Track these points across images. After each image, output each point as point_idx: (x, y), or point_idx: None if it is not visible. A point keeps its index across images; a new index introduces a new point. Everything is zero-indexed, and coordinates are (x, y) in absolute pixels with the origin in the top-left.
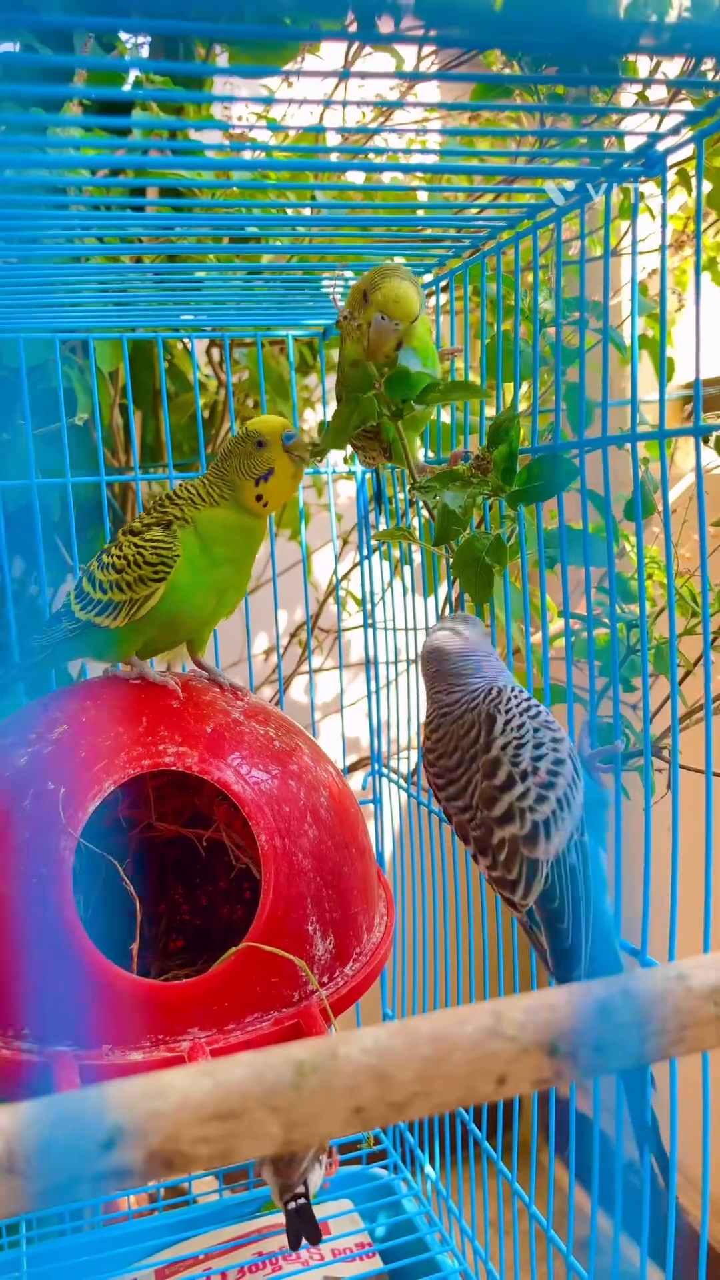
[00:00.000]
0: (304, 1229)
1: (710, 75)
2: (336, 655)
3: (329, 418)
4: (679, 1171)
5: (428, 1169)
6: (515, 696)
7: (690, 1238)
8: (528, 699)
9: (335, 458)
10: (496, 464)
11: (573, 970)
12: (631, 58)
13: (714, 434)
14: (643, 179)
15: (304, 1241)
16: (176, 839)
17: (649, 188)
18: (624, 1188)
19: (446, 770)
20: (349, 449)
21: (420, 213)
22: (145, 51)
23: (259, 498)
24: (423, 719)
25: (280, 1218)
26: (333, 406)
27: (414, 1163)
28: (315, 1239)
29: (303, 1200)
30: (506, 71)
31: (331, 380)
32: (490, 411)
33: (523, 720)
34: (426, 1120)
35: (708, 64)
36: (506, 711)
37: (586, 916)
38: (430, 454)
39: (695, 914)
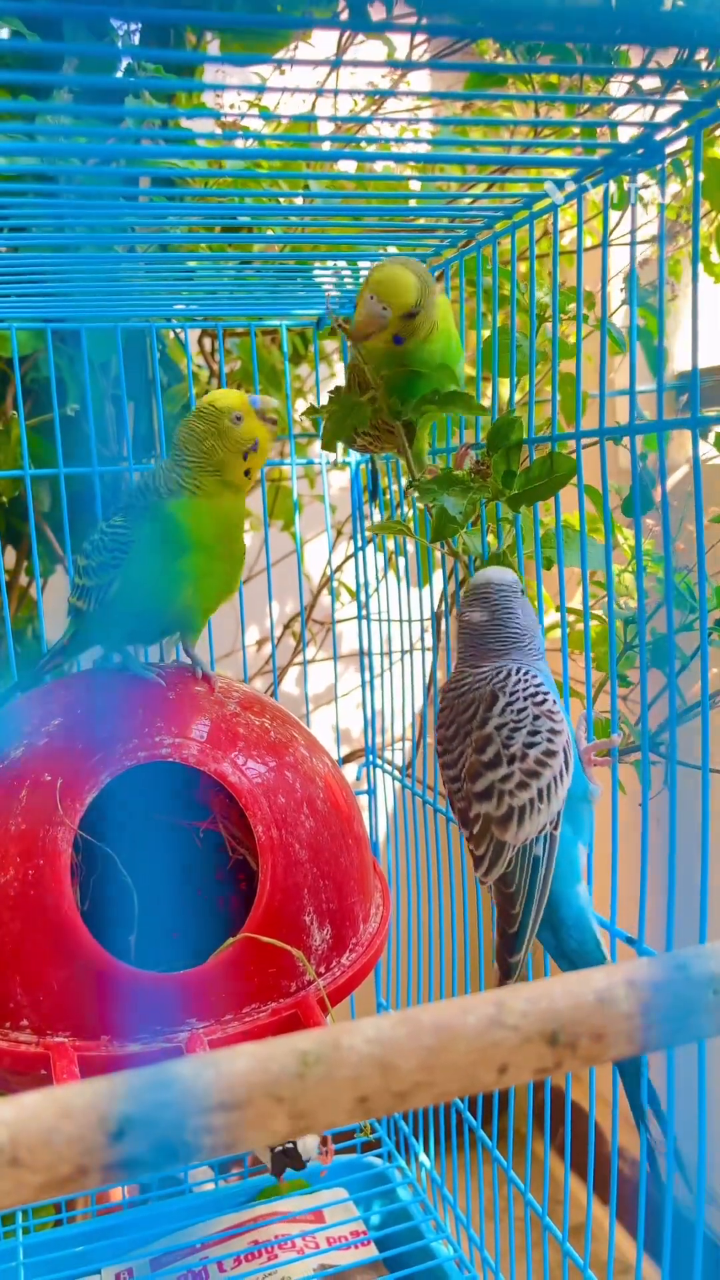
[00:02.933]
0: (288, 1162)
1: (705, 66)
2: (330, 646)
3: (321, 404)
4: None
5: (422, 1157)
6: (525, 679)
7: (686, 1225)
8: (538, 684)
9: None
10: (496, 468)
11: (512, 954)
12: (624, 47)
13: (712, 426)
14: (640, 170)
15: (288, 1170)
16: (173, 830)
17: (643, 178)
18: (618, 1175)
19: (445, 739)
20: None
21: (413, 203)
22: (136, 39)
23: (246, 472)
24: (416, 710)
25: (275, 1207)
26: (326, 400)
27: (409, 1151)
28: (299, 1167)
29: (290, 1144)
30: (500, 60)
31: (324, 370)
32: (486, 402)
33: (524, 705)
34: (421, 1109)
35: (702, 54)
36: (510, 693)
37: (538, 908)
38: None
39: (691, 905)
